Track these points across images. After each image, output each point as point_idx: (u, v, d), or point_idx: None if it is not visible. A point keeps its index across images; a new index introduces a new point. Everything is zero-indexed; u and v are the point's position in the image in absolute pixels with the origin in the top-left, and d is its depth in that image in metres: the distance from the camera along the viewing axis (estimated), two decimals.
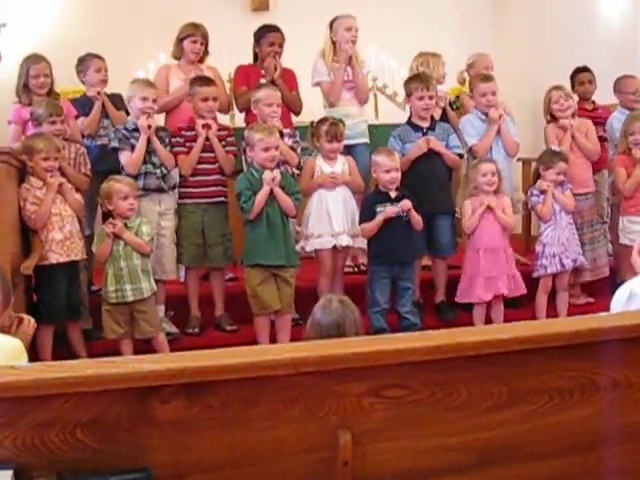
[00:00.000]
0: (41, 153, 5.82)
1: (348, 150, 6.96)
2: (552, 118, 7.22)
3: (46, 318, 5.65)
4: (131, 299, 5.85)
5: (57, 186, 5.86)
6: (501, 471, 2.54)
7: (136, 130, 6.27)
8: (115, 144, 6.29)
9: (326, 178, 6.42)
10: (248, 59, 7.50)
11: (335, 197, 6.41)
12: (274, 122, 6.39)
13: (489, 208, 6.44)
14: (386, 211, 6.13)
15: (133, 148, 6.26)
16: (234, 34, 8.33)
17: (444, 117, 7.27)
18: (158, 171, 6.29)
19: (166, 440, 2.25)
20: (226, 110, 7.63)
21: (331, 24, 7.30)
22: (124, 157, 6.27)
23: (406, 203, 6.14)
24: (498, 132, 6.94)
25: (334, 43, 7.28)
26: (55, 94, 6.76)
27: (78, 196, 6.09)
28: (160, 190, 6.33)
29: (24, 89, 6.61)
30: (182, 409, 2.22)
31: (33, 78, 6.58)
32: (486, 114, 6.95)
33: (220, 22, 8.53)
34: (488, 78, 7.08)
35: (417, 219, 6.23)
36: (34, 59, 6.64)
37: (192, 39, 7.17)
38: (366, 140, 7.34)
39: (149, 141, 6.26)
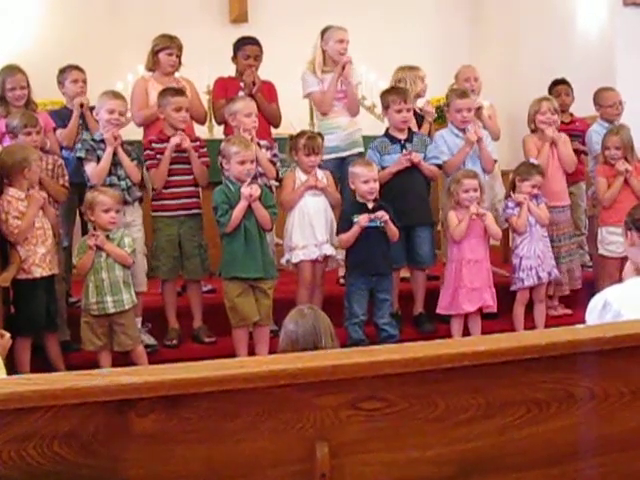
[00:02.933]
0: (37, 161, 5.82)
1: (343, 162, 6.97)
2: (534, 128, 7.23)
3: (25, 330, 5.63)
4: (112, 311, 5.83)
5: (42, 201, 5.84)
6: None
7: (103, 141, 6.24)
8: (82, 154, 6.26)
9: (310, 179, 6.42)
10: (227, 71, 7.48)
11: (317, 208, 6.42)
12: (252, 133, 6.38)
13: (477, 216, 6.44)
14: (361, 219, 6.14)
15: (99, 159, 6.23)
16: (213, 46, 8.36)
17: (430, 133, 7.28)
18: (123, 183, 6.26)
19: (144, 453, 2.24)
20: (202, 121, 7.62)
21: (322, 33, 7.23)
22: (89, 168, 6.25)
23: (382, 214, 6.15)
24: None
25: (324, 52, 7.23)
26: (33, 104, 6.73)
27: (53, 210, 6.08)
28: (124, 202, 6.30)
29: (1, 100, 6.58)
30: (160, 422, 2.22)
31: (9, 91, 6.54)
32: (462, 130, 6.93)
33: (199, 34, 8.57)
34: (464, 94, 7.05)
35: (393, 231, 6.25)
36: (9, 71, 6.60)
37: (168, 51, 7.11)
38: (360, 149, 7.25)
39: (115, 153, 6.24)
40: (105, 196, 5.88)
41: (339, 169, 6.97)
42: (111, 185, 6.20)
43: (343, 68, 7.05)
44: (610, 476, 2.66)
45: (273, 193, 6.51)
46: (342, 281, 6.99)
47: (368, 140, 7.14)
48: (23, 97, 6.59)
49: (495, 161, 7.10)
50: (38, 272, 5.80)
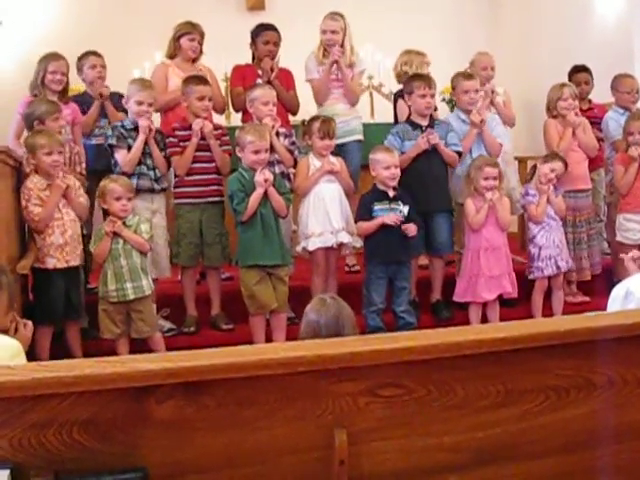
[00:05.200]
0: (44, 148, 5.74)
1: (339, 149, 6.95)
2: (556, 114, 7.18)
3: (44, 319, 5.62)
4: (132, 297, 5.81)
5: (64, 189, 5.84)
6: (497, 470, 2.55)
7: (134, 129, 6.26)
8: (113, 141, 6.27)
9: (325, 164, 6.40)
10: (244, 58, 7.48)
11: (331, 195, 6.40)
12: (270, 120, 6.38)
13: (492, 203, 6.42)
14: (386, 218, 6.13)
15: (129, 147, 6.25)
16: (230, 33, 8.34)
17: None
18: (152, 173, 6.29)
19: (162, 440, 2.25)
20: (221, 110, 7.62)
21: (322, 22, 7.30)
22: (121, 155, 6.26)
23: (411, 228, 6.16)
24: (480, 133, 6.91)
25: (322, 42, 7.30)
26: (65, 94, 6.78)
27: (83, 199, 6.06)
28: (151, 190, 6.33)
29: (41, 85, 6.62)
30: (178, 409, 2.22)
31: (51, 74, 6.61)
32: (468, 112, 6.91)
33: (216, 21, 8.53)
34: (471, 76, 7.04)
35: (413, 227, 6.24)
36: (54, 56, 6.69)
37: (190, 37, 7.13)
38: (358, 137, 7.32)
39: (146, 143, 6.26)
40: (116, 184, 5.86)
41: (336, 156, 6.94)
42: (140, 174, 6.24)
43: (337, 61, 7.13)
44: (628, 464, 2.66)
45: (291, 180, 6.51)
46: (354, 269, 7.00)
47: (385, 127, 7.13)
48: (62, 82, 6.69)
49: (500, 145, 7.02)
50: (52, 263, 5.78)
